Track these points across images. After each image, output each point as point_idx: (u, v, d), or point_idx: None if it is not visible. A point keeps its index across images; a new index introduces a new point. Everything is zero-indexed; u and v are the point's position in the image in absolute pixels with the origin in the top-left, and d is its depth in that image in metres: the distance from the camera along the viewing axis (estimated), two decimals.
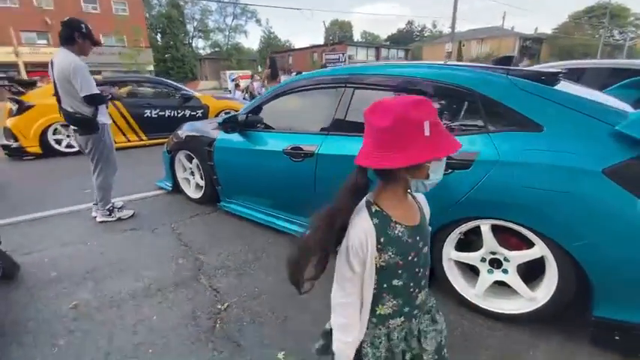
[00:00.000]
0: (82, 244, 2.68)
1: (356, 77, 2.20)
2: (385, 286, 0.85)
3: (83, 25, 2.69)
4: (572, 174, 1.43)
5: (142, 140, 6.31)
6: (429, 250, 0.92)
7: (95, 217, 3.08)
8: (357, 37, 70.85)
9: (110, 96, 3.03)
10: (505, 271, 1.71)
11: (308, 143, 2.28)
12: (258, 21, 50.92)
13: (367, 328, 0.88)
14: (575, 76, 3.69)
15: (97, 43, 2.86)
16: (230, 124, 2.64)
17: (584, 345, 1.56)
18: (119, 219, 3.08)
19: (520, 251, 1.64)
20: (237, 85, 13.85)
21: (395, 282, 0.85)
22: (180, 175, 3.55)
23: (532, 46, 46.53)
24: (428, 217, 0.94)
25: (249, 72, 26.22)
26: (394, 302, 0.87)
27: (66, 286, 2.13)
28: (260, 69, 44.67)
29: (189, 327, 1.78)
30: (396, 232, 0.82)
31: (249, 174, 2.74)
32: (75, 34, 2.66)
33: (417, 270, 0.88)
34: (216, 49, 49.04)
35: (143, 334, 1.73)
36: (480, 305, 1.78)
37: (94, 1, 26.26)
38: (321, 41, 49.23)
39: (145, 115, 6.20)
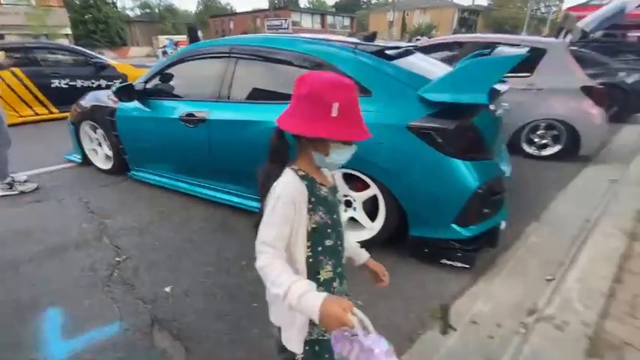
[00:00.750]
0: None
1: (239, 48, 2.41)
2: (320, 249, 0.86)
3: None
4: (387, 129, 1.86)
5: (53, 113, 5.89)
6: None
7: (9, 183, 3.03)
8: (303, 3, 68.35)
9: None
10: (354, 209, 2.17)
11: (200, 109, 2.48)
12: None
13: None
14: (457, 48, 4.24)
15: None
16: (124, 93, 2.72)
17: (407, 257, 2.09)
18: (21, 192, 3.06)
19: (361, 192, 2.09)
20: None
21: (327, 242, 0.86)
22: (87, 146, 3.54)
23: (469, 17, 48.94)
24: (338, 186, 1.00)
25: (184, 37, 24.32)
26: (330, 263, 0.88)
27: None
28: (201, 33, 41.61)
29: (86, 277, 2.00)
30: (322, 192, 0.85)
31: (151, 142, 2.88)
32: None
33: (339, 229, 0.91)
34: (147, 11, 44.21)
35: (41, 287, 1.92)
36: None
37: None
38: (266, 5, 46.92)
39: (53, 86, 5.75)
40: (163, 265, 2.12)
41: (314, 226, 0.83)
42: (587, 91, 3.55)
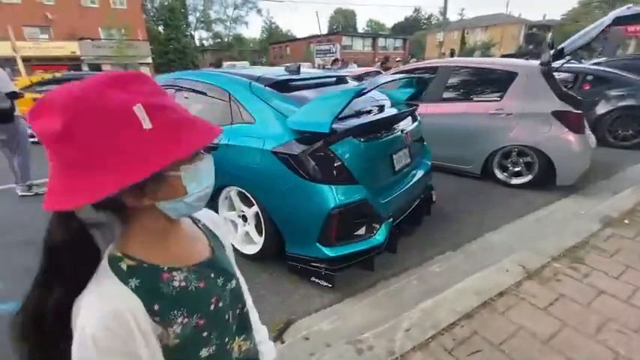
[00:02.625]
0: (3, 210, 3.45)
1: (178, 81, 2.84)
2: None
3: None
4: (261, 152, 2.06)
5: None
6: (237, 280, 0.68)
7: (18, 192, 3.85)
8: (362, 25, 70.35)
9: (22, 94, 3.77)
10: (248, 224, 2.37)
11: None
12: (259, 11, 51.24)
13: None
14: (431, 73, 4.22)
15: None
16: None
17: (286, 273, 2.22)
18: (36, 194, 3.84)
19: (249, 209, 2.29)
20: None
21: (204, 352, 0.57)
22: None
23: (538, 33, 45.49)
24: (225, 234, 0.71)
25: (247, 63, 26.77)
26: None
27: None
28: (264, 59, 45.58)
29: None
30: (175, 283, 0.54)
31: None
32: None
33: (226, 317, 0.62)
34: (218, 40, 49.57)
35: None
36: (240, 249, 2.45)
37: None
38: (325, 31, 49.37)
39: None
40: None
41: (176, 341, 0.52)
42: (558, 116, 3.29)
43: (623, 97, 4.99)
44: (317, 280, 2.06)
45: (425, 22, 74.32)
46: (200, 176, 0.52)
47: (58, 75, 8.22)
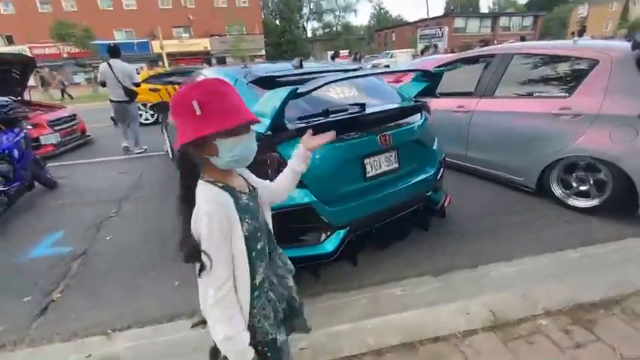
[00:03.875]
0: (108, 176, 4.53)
1: (193, 76, 3.14)
2: (254, 254, 0.86)
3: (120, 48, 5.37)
4: None
5: None
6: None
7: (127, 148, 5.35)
8: (487, 3, 61.91)
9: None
10: None
11: None
12: None
13: (254, 308, 0.87)
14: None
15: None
16: None
17: None
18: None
19: None
20: None
21: (259, 246, 0.88)
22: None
23: None
24: (256, 181, 1.01)
25: (346, 52, 27.00)
26: (263, 265, 0.90)
27: (83, 194, 3.93)
28: (371, 45, 45.11)
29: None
30: (244, 200, 0.85)
31: None
32: (120, 51, 5.24)
33: (264, 230, 0.94)
34: (327, 30, 51.14)
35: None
36: None
37: None
38: (441, 12, 45.53)
39: None
40: None
41: (246, 234, 0.82)
42: None
43: None
44: None
45: None
46: (230, 147, 0.78)
47: (168, 70, 9.93)
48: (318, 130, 1.93)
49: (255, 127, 1.84)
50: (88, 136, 6.63)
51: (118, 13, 29.33)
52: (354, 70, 2.64)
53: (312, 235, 1.97)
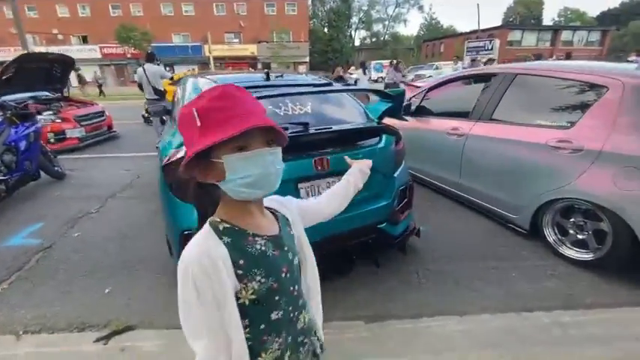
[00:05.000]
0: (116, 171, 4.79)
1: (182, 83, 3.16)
2: (263, 326, 0.65)
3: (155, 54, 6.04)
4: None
5: None
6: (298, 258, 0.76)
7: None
8: (551, 16, 57.54)
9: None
10: None
11: None
12: (420, 8, 49.30)
13: None
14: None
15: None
16: None
17: None
18: None
19: None
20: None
21: (274, 315, 0.65)
22: None
23: None
24: (293, 217, 0.79)
25: (386, 62, 26.42)
26: (279, 341, 0.67)
27: (82, 187, 4.18)
28: (416, 56, 44.02)
29: None
30: (257, 246, 0.64)
31: None
32: (155, 57, 5.87)
33: (292, 289, 0.70)
34: (374, 40, 50.88)
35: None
36: None
37: (273, 5, 32.31)
38: (498, 23, 43.12)
39: None
40: None
41: (252, 297, 0.62)
42: None
43: None
44: None
45: None
46: (238, 165, 0.60)
47: (196, 72, 10.43)
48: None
49: (168, 141, 1.81)
50: (114, 131, 7.12)
51: (178, 18, 31.68)
52: (320, 86, 2.48)
53: None
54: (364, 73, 11.96)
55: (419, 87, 4.59)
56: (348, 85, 8.37)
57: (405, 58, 31.66)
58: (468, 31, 33.53)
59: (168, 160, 1.87)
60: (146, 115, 5.62)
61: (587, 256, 2.29)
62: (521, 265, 2.37)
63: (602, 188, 2.12)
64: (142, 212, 3.34)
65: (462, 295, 2.10)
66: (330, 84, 2.63)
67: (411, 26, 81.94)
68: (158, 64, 6.06)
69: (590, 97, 2.30)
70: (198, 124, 0.58)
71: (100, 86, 18.46)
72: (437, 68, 21.82)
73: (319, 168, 1.90)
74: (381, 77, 20.88)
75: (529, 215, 2.60)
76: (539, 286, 2.14)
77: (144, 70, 5.65)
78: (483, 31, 28.48)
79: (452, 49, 31.46)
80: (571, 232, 2.40)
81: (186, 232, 1.77)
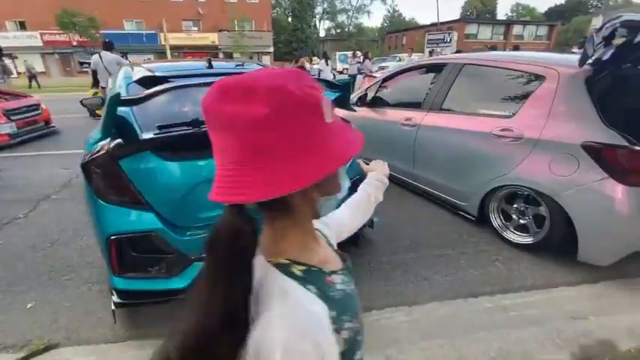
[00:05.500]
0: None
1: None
2: None
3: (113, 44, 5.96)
4: None
5: None
6: None
7: None
8: (505, 11, 60.62)
9: None
10: None
11: None
12: None
13: None
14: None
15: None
16: None
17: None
18: None
19: None
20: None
21: (358, 355, 0.53)
22: None
23: None
24: (332, 236, 0.66)
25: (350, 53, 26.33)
26: None
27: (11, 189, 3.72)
28: (379, 47, 44.65)
29: None
30: (338, 286, 0.51)
31: None
32: (112, 46, 5.87)
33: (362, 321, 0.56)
34: (339, 30, 50.78)
35: None
36: None
37: None
38: (457, 16, 44.52)
39: None
40: None
41: (344, 347, 0.48)
42: (594, 151, 1.99)
43: None
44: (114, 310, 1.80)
45: (595, 3, 58.78)
46: (345, 174, 0.51)
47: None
48: (181, 142, 1.68)
49: (93, 137, 1.63)
50: (53, 126, 6.47)
51: (130, 3, 29.42)
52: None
53: (163, 267, 1.69)
54: (327, 64, 11.81)
55: (376, 77, 4.58)
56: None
57: (369, 50, 31.87)
58: (428, 23, 34.39)
59: (92, 156, 1.67)
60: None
61: (527, 239, 2.40)
62: (469, 252, 2.43)
63: (540, 175, 2.21)
64: (78, 214, 3.04)
65: (413, 285, 2.11)
66: None
67: (374, 18, 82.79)
68: (121, 56, 6.18)
69: (530, 86, 2.38)
70: (328, 120, 0.43)
71: (31, 77, 16.49)
72: (400, 60, 22.21)
73: None
74: (346, 68, 20.89)
75: (477, 202, 2.68)
76: (484, 271, 2.21)
77: (100, 58, 5.59)
78: (442, 24, 29.38)
79: (413, 41, 32.19)
80: (514, 217, 2.50)
81: (113, 237, 1.60)
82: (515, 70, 2.49)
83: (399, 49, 35.27)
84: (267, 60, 32.53)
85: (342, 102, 2.20)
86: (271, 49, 32.80)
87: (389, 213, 2.96)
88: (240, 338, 0.40)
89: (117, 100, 1.42)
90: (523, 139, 2.30)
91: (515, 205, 2.48)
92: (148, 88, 1.88)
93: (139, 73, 2.19)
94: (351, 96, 4.30)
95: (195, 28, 31.55)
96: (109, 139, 1.60)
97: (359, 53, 20.14)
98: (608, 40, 2.03)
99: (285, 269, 0.46)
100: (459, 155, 2.74)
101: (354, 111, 2.54)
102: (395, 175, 3.55)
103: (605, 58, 2.03)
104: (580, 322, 1.75)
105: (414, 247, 2.50)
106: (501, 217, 2.59)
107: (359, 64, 12.58)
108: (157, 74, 2.05)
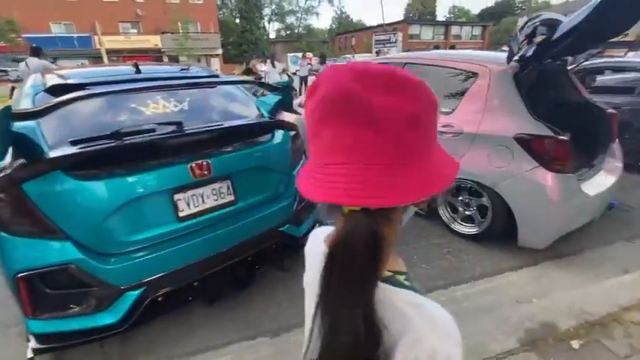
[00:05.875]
0: None
1: None
2: None
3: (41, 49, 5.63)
4: None
5: None
6: None
7: None
8: (444, 12, 64.75)
9: None
10: None
11: None
12: (330, 0, 50.59)
13: None
14: None
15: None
16: None
17: None
18: None
19: None
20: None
21: None
22: None
23: None
24: None
25: (310, 54, 25.99)
26: None
27: None
28: (329, 49, 45.25)
29: None
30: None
31: None
32: (40, 51, 5.49)
33: None
34: (288, 32, 50.72)
35: None
36: None
37: None
38: (401, 17, 46.44)
39: None
40: None
41: None
42: (524, 142, 2.12)
43: None
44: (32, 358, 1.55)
45: (520, 5, 65.03)
46: None
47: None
48: (101, 158, 1.48)
49: None
50: None
51: (56, 4, 26.76)
52: (199, 78, 2.18)
53: (88, 302, 1.47)
54: (273, 66, 11.54)
55: None
56: (259, 79, 8.06)
57: (324, 52, 32.09)
58: (375, 25, 35.57)
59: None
60: None
61: (474, 230, 2.50)
62: (421, 246, 2.48)
63: (481, 167, 2.31)
64: None
65: None
66: (214, 77, 2.35)
67: (323, 19, 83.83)
68: (51, 61, 5.81)
69: (466, 83, 2.48)
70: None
71: None
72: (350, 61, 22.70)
73: (198, 174, 1.65)
74: (298, 70, 20.80)
75: None
76: (436, 265, 2.26)
77: (27, 65, 5.32)
78: (388, 25, 30.53)
79: (362, 42, 33.12)
80: (460, 209, 2.60)
81: (21, 275, 1.36)
82: (452, 68, 2.59)
83: (348, 49, 36.03)
84: (216, 63, 31.50)
85: (286, 105, 2.12)
86: (220, 52, 31.80)
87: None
88: None
89: (8, 115, 1.20)
90: (463, 134, 2.39)
91: (460, 198, 2.57)
92: (59, 97, 1.65)
93: (52, 80, 1.92)
94: (298, 100, 4.25)
95: (135, 31, 29.61)
96: (10, 160, 1.36)
97: (310, 54, 20.21)
98: (530, 38, 2.18)
99: (393, 282, 0.44)
100: None
101: (299, 113, 2.48)
102: None
103: (528, 54, 2.17)
104: (525, 307, 1.83)
105: None
106: (449, 210, 2.68)
107: (309, 66, 12.59)
108: (71, 82, 1.81)
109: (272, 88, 2.04)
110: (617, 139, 2.61)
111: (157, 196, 1.59)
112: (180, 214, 1.65)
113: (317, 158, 0.41)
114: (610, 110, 2.56)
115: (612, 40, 2.13)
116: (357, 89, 0.36)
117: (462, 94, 2.48)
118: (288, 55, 29.04)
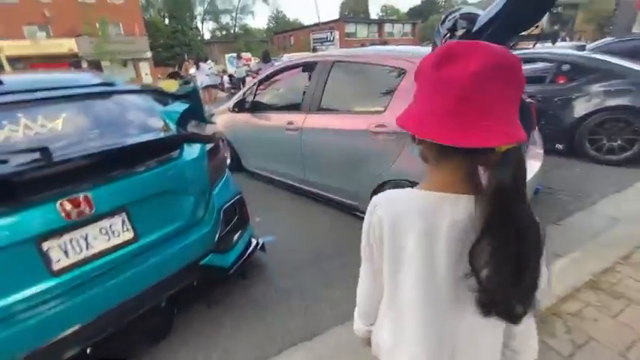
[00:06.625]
0: None
1: None
2: None
3: None
4: None
5: None
6: None
7: None
8: (376, 10, 67.43)
9: None
10: None
11: None
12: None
13: None
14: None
15: None
16: None
17: None
18: None
19: None
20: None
21: None
22: None
23: (563, 12, 41.49)
24: None
25: (248, 54, 24.80)
26: None
27: None
28: (268, 48, 44.28)
29: None
30: None
31: None
32: None
33: None
34: (224, 32, 48.89)
35: None
36: None
37: None
38: (337, 17, 47.26)
39: None
40: None
41: None
42: None
43: (610, 94, 3.60)
44: None
45: (444, 3, 70.27)
46: None
47: None
48: None
49: None
50: None
51: None
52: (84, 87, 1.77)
53: None
54: (197, 69, 10.57)
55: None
56: (187, 83, 7.41)
57: (258, 51, 31.26)
58: (312, 24, 35.77)
59: None
60: None
61: None
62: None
63: (415, 167, 2.22)
64: None
65: (312, 311, 1.88)
66: (109, 85, 1.93)
67: (260, 19, 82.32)
68: None
69: (395, 81, 2.39)
70: None
71: None
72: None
73: (74, 212, 1.28)
74: (234, 72, 19.90)
75: (367, 200, 2.62)
76: None
77: None
78: (324, 24, 30.89)
79: (300, 41, 33.07)
80: None
81: None
82: (380, 65, 2.48)
83: (287, 49, 35.78)
84: (145, 67, 29.15)
85: (194, 114, 1.81)
86: (149, 55, 29.49)
87: (284, 229, 2.70)
88: None
89: None
90: (397, 133, 2.29)
91: None
92: None
93: None
94: (229, 102, 3.90)
95: (44, 34, 26.17)
96: None
97: (248, 55, 19.47)
98: (452, 32, 2.13)
99: None
100: (342, 155, 2.64)
101: (213, 123, 2.18)
102: (290, 183, 3.32)
103: None
104: None
105: (312, 263, 2.29)
106: None
107: (246, 67, 12.07)
108: None
109: (175, 97, 1.72)
110: (537, 127, 2.73)
111: (20, 246, 1.20)
112: (55, 267, 1.28)
113: (465, 118, 0.50)
114: (528, 100, 2.65)
115: (524, 33, 2.18)
116: (517, 59, 0.51)
117: (392, 91, 2.38)
118: (226, 55, 27.88)
